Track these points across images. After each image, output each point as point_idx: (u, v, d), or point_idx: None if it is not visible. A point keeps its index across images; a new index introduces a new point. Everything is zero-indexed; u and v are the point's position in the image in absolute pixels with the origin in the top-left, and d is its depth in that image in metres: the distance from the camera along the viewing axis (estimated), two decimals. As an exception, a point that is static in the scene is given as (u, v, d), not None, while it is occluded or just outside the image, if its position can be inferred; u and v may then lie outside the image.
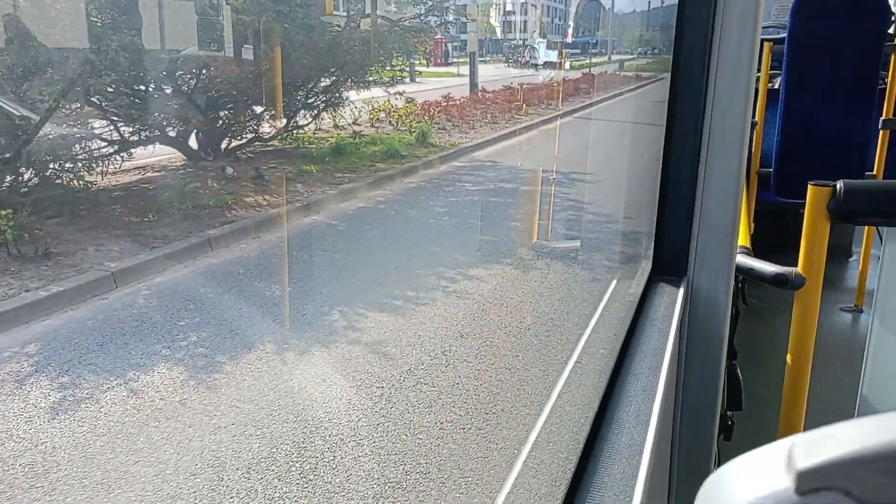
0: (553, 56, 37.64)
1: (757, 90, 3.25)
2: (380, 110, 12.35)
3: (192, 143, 8.74)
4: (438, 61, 48.15)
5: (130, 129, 6.94)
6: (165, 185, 6.92)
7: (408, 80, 27.53)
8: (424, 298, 4.37)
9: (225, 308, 4.14)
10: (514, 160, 9.70)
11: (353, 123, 12.60)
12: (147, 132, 7.54)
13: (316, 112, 10.24)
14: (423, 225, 6.13)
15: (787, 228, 2.29)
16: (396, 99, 11.47)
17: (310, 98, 10.39)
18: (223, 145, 9.13)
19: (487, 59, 50.29)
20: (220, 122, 9.05)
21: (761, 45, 2.24)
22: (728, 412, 1.70)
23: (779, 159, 2.28)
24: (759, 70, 2.62)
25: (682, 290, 1.37)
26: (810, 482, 0.24)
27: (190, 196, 6.43)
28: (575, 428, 1.57)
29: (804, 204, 1.42)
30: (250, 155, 9.51)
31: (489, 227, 6.06)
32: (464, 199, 7.26)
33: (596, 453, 0.85)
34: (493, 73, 31.89)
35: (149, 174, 7.88)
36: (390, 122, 12.17)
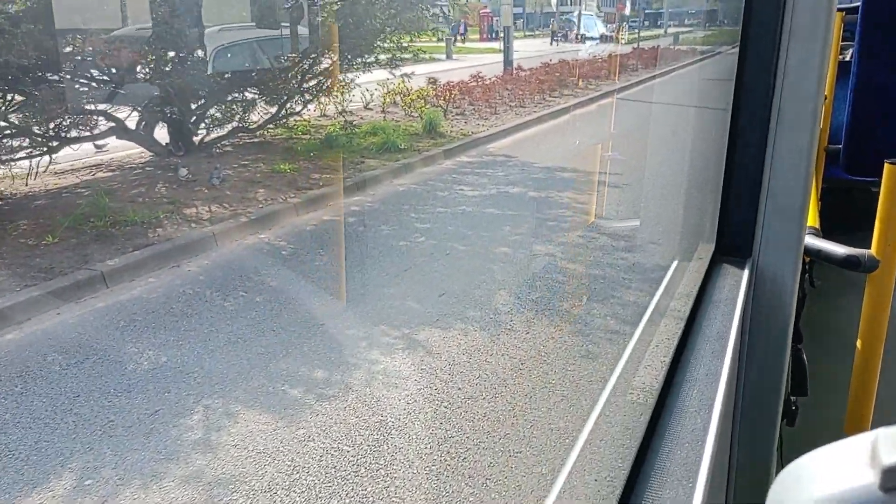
0: (601, 29, 35.64)
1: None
2: (395, 93, 11.04)
3: (163, 135, 7.67)
4: (484, 36, 46.38)
5: (53, 125, 5.87)
6: (102, 191, 5.84)
7: (443, 56, 26.10)
8: (349, 385, 3.14)
9: (66, 396, 2.99)
10: (531, 155, 8.29)
11: (365, 107, 11.37)
12: (84, 126, 6.48)
13: (309, 98, 9.03)
14: (390, 251, 4.87)
15: (856, 207, 2.21)
16: (406, 80, 10.16)
17: (305, 81, 9.18)
18: (198, 138, 8.03)
19: (537, 33, 48.44)
20: (194, 110, 7.92)
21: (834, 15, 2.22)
22: (792, 397, 1.65)
23: (850, 135, 1.98)
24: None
25: (746, 272, 1.32)
26: None
27: (114, 209, 5.33)
28: (635, 414, 1.20)
29: (876, 182, 1.37)
30: (229, 149, 8.39)
31: (471, 255, 4.75)
32: (455, 209, 5.95)
33: (657, 438, 0.83)
34: (538, 49, 30.25)
35: (97, 175, 6.83)
36: (403, 107, 10.88)
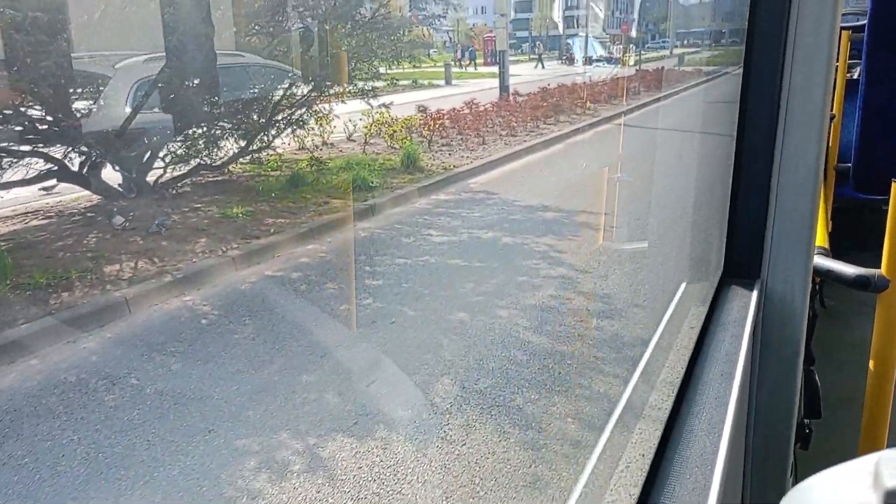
0: (599, 51, 35.10)
1: (835, 81, 3.09)
2: (379, 123, 10.37)
3: (114, 176, 7.02)
4: (488, 60, 46.16)
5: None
6: (16, 245, 5.18)
7: (442, 82, 25.60)
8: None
9: None
10: (514, 191, 7.58)
11: (348, 139, 10.73)
12: (15, 167, 5.85)
13: (280, 130, 8.39)
14: (326, 318, 4.14)
15: (867, 226, 2.14)
16: (385, 110, 9.50)
17: (277, 113, 8.56)
18: (155, 178, 7.38)
19: (543, 56, 48.11)
20: (147, 146, 7.27)
21: (840, 34, 2.23)
22: (805, 420, 1.64)
23: (859, 154, 1.82)
24: (837, 59, 2.72)
25: (755, 293, 1.32)
26: None
27: (25, 266, 4.65)
28: (645, 436, 1.17)
29: (886, 200, 1.38)
30: (188, 189, 7.73)
31: (420, 324, 4.02)
32: (416, 260, 5.23)
33: (667, 461, 0.82)
34: (540, 73, 29.69)
35: (30, 223, 6.19)
36: (384, 139, 10.21)
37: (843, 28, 3.31)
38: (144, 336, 3.97)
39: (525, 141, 10.77)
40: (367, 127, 10.33)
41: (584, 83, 18.16)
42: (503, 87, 17.00)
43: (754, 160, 1.33)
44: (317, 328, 3.95)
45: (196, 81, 6.88)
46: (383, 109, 9.42)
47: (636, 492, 0.80)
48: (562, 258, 5.10)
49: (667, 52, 31.10)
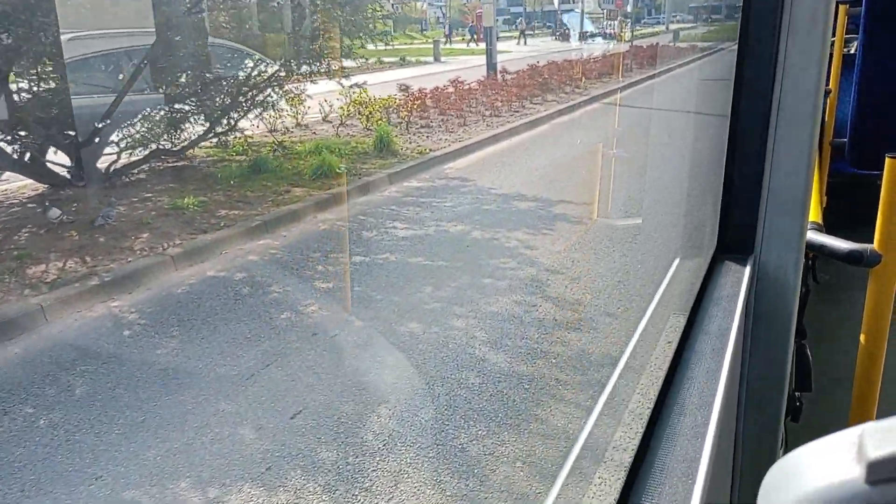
0: (588, 27, 34.32)
1: (831, 56, 3.05)
2: (357, 103, 9.80)
3: (62, 162, 6.52)
4: (480, 37, 45.07)
5: None
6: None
7: (431, 59, 24.99)
8: None
9: None
10: (492, 177, 7.10)
11: (324, 120, 10.20)
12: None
13: (244, 111, 7.87)
14: (262, 330, 3.69)
15: (862, 202, 2.00)
16: (360, 90, 8.96)
17: (242, 94, 8.03)
18: (107, 164, 6.88)
19: (537, 32, 47.22)
20: (97, 130, 6.75)
21: (836, 8, 2.33)
22: (796, 393, 1.65)
23: (854, 129, 1.88)
24: (833, 35, 2.89)
25: (748, 269, 1.33)
26: (882, 472, 0.24)
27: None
28: (635, 411, 1.10)
29: (881, 175, 1.38)
30: (143, 177, 7.23)
31: (364, 339, 3.58)
32: (375, 258, 4.78)
33: (657, 436, 0.84)
34: (529, 50, 28.89)
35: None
36: (361, 120, 9.68)
37: (840, 2, 3.21)
38: (55, 352, 3.53)
39: (509, 122, 10.25)
40: (342, 108, 9.81)
41: (576, 60, 17.52)
42: (490, 65, 16.40)
43: (749, 136, 1.33)
44: (246, 343, 3.50)
45: (156, 59, 6.38)
46: (359, 90, 8.89)
47: (627, 462, 0.80)
48: (531, 257, 4.64)
49: (663, 28, 30.47)
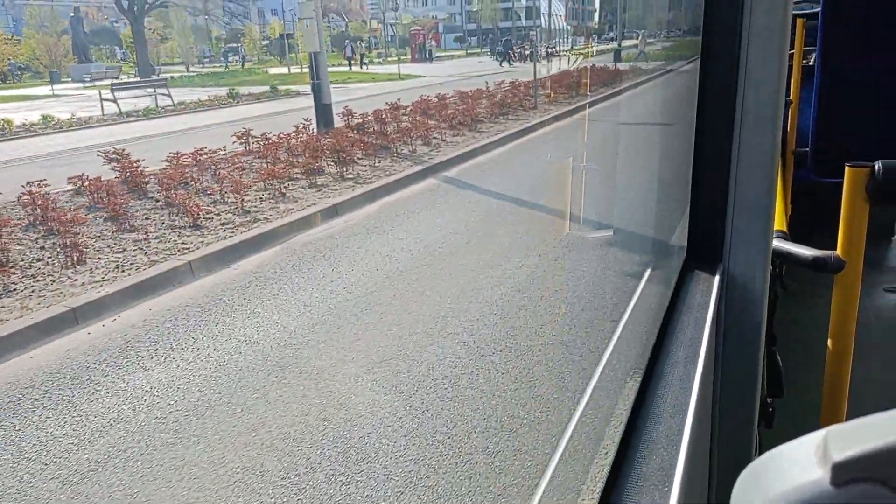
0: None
1: (791, 67, 3.31)
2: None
3: None
4: (415, 56, 44.07)
5: None
6: None
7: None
8: None
9: None
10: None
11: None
12: None
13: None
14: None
15: (825, 209, 2.11)
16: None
17: None
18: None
19: (485, 51, 46.62)
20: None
21: (794, 21, 2.43)
22: (768, 399, 1.66)
23: (815, 138, 2.02)
24: (792, 47, 3.20)
25: (717, 278, 1.35)
26: (845, 474, 0.25)
27: None
28: (612, 420, 1.31)
29: (842, 183, 1.40)
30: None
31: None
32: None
33: (633, 444, 0.85)
34: (461, 70, 26.20)
35: None
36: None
37: (798, 15, 3.31)
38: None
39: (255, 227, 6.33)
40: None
41: (471, 93, 14.54)
42: (319, 109, 11.62)
43: (713, 146, 1.36)
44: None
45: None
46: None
47: (605, 470, 0.81)
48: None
49: (615, 45, 28.50)
